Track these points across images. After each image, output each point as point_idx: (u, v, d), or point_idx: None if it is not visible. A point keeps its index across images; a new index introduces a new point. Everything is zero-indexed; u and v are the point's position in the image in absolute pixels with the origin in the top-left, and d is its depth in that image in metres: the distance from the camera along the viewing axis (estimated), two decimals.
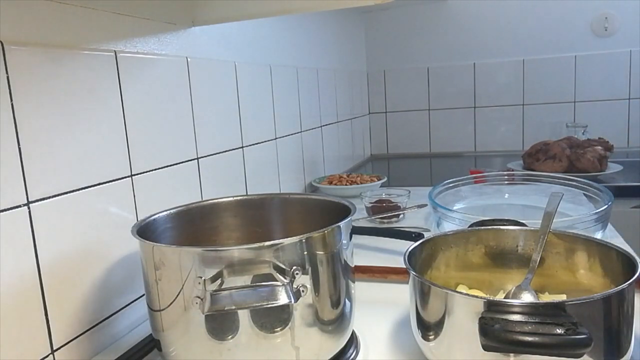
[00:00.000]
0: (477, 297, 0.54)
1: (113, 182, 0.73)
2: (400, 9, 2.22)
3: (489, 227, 0.73)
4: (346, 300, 0.60)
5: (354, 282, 0.63)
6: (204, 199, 0.80)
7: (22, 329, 0.59)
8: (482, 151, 2.26)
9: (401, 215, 1.24)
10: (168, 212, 0.68)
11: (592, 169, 1.60)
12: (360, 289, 0.66)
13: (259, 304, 0.52)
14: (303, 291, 0.54)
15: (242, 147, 1.12)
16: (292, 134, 1.43)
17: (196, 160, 0.94)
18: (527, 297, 0.60)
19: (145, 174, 0.80)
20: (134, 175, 0.77)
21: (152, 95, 0.82)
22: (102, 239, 0.71)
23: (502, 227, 0.71)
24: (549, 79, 2.14)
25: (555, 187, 1.13)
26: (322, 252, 0.56)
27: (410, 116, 2.33)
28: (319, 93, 1.66)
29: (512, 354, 0.48)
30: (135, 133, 0.77)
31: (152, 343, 0.64)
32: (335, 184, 1.52)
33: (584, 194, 1.09)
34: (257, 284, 0.52)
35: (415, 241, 0.66)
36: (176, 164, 0.88)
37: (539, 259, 0.63)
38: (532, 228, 0.69)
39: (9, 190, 0.57)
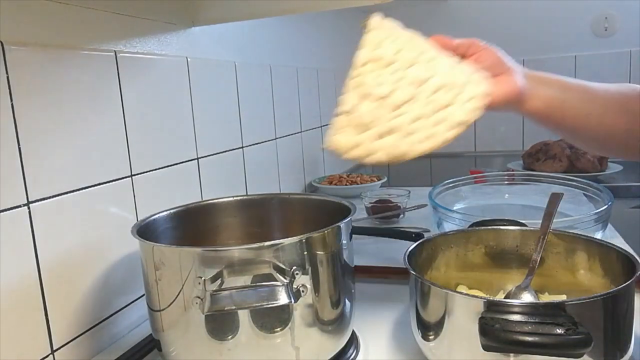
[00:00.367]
0: (477, 297, 0.54)
1: (113, 182, 0.73)
2: (400, 9, 2.22)
3: (489, 227, 0.73)
4: (346, 300, 0.60)
5: (354, 282, 0.63)
6: (204, 199, 0.80)
7: (22, 329, 0.59)
8: (482, 151, 2.25)
9: (401, 215, 1.24)
10: (168, 212, 0.68)
11: (592, 169, 1.60)
12: (360, 289, 0.66)
13: (259, 304, 0.52)
14: (303, 291, 0.54)
15: (242, 147, 1.12)
16: (292, 134, 1.43)
17: (196, 160, 0.94)
18: (527, 297, 0.60)
19: (145, 174, 0.80)
20: (134, 175, 0.77)
21: (152, 95, 0.82)
22: (102, 239, 0.71)
23: (502, 227, 0.71)
24: None
25: (555, 187, 1.12)
26: (322, 252, 0.56)
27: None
28: (319, 93, 1.66)
29: (512, 354, 0.48)
30: (135, 133, 0.77)
31: (152, 343, 0.64)
32: (335, 184, 1.52)
33: (584, 194, 1.09)
34: (257, 284, 0.52)
35: (415, 241, 0.66)
36: (176, 164, 0.88)
37: (539, 259, 0.63)
38: (532, 228, 0.69)
39: (9, 190, 0.57)
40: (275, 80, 1.30)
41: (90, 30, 0.70)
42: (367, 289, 0.82)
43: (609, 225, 1.01)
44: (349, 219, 0.61)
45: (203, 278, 0.52)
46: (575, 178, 1.11)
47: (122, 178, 0.75)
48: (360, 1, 0.82)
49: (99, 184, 0.70)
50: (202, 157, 0.96)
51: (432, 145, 0.55)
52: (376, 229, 1.13)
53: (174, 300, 0.54)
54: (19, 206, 0.58)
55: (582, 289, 0.62)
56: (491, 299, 0.50)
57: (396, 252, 0.99)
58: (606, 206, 0.92)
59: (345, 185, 1.51)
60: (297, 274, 0.53)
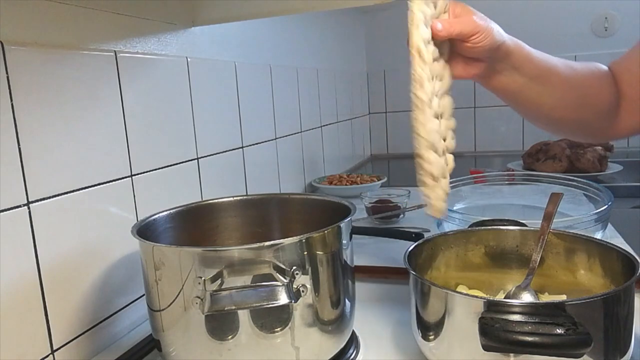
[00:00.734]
0: (477, 297, 0.54)
1: (113, 182, 0.73)
2: (400, 8, 2.22)
3: (489, 227, 0.73)
4: (346, 300, 0.60)
5: (354, 282, 0.63)
6: (204, 199, 0.80)
7: (22, 329, 0.59)
8: (482, 151, 2.25)
9: (401, 215, 1.24)
10: (168, 212, 0.68)
11: (592, 169, 1.60)
12: (360, 289, 0.66)
13: (259, 304, 0.52)
14: (303, 291, 0.54)
15: (242, 147, 1.12)
16: (292, 134, 1.43)
17: (196, 160, 0.94)
18: (527, 297, 0.60)
19: (145, 174, 0.80)
20: (134, 175, 0.77)
21: (152, 95, 0.82)
22: (102, 239, 0.71)
23: (502, 227, 0.71)
24: None
25: (555, 187, 1.12)
26: (322, 252, 0.56)
27: (411, 116, 2.33)
28: (319, 93, 1.66)
29: (512, 354, 0.48)
30: (135, 133, 0.77)
31: (152, 343, 0.64)
32: (335, 184, 1.52)
33: (584, 194, 1.09)
34: (257, 284, 0.52)
35: (415, 241, 0.66)
36: (176, 164, 0.88)
37: (539, 259, 0.63)
38: (532, 228, 0.69)
39: (9, 190, 0.57)
40: (275, 80, 1.30)
41: (90, 30, 0.70)
42: (367, 289, 0.82)
43: (609, 225, 1.01)
44: (349, 219, 0.61)
45: (203, 278, 0.52)
46: (575, 178, 1.11)
47: (122, 178, 0.75)
48: (360, 1, 0.82)
49: (99, 184, 0.70)
50: (202, 157, 0.96)
51: None
52: (376, 229, 1.13)
53: (174, 300, 0.54)
54: (19, 206, 0.58)
55: (582, 289, 0.62)
56: (491, 299, 0.50)
57: (396, 252, 0.99)
58: (606, 206, 0.92)
59: (345, 185, 1.51)
60: (297, 274, 0.53)
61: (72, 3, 0.67)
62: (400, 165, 2.21)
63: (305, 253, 0.54)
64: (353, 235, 0.64)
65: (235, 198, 0.76)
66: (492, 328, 0.46)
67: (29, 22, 0.61)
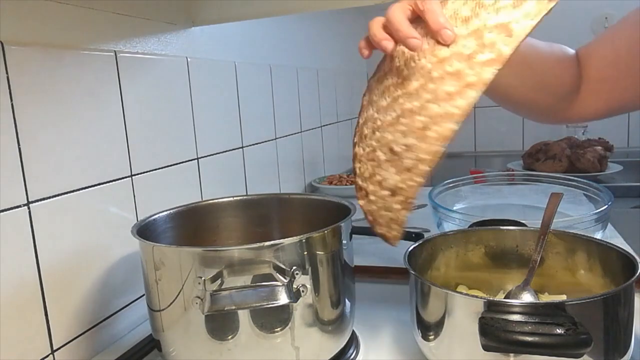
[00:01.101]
0: (477, 297, 0.54)
1: (113, 182, 0.73)
2: None
3: (489, 227, 0.73)
4: (346, 300, 0.60)
5: (354, 282, 0.63)
6: (204, 199, 0.80)
7: (22, 329, 0.59)
8: (482, 151, 2.25)
9: None
10: (168, 212, 0.68)
11: (592, 169, 1.60)
12: (360, 289, 0.66)
13: (259, 304, 0.52)
14: (303, 291, 0.54)
15: (242, 147, 1.12)
16: (292, 134, 1.43)
17: (196, 160, 0.94)
18: (527, 297, 0.60)
19: (145, 174, 0.80)
20: (134, 175, 0.77)
21: (152, 95, 0.82)
22: (102, 239, 0.71)
23: (502, 227, 0.71)
24: None
25: (555, 187, 1.12)
26: (322, 252, 0.56)
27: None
28: (319, 93, 1.66)
29: (512, 354, 0.48)
30: (135, 133, 0.77)
31: (152, 343, 0.64)
32: (335, 184, 1.52)
33: (584, 194, 1.09)
34: (257, 284, 0.52)
35: (415, 241, 0.66)
36: (176, 164, 0.88)
37: (539, 259, 0.63)
38: (532, 228, 0.69)
39: (9, 190, 0.57)
40: (275, 80, 1.30)
41: (90, 30, 0.70)
42: (367, 289, 0.82)
43: (609, 225, 1.01)
44: (349, 219, 0.61)
45: (203, 278, 0.52)
46: (575, 178, 1.11)
47: (122, 178, 0.75)
48: (360, 1, 0.82)
49: (99, 184, 0.70)
50: (202, 157, 0.96)
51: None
52: None
53: (174, 301, 0.54)
54: (19, 206, 0.58)
55: (582, 289, 0.62)
56: (491, 299, 0.50)
57: (396, 252, 0.99)
58: (606, 206, 0.92)
59: (345, 185, 1.51)
60: (297, 274, 0.53)
61: (72, 3, 0.67)
62: None
63: (305, 253, 0.54)
64: (353, 235, 0.64)
65: (235, 198, 0.76)
66: (492, 328, 0.46)
67: (29, 22, 0.61)
